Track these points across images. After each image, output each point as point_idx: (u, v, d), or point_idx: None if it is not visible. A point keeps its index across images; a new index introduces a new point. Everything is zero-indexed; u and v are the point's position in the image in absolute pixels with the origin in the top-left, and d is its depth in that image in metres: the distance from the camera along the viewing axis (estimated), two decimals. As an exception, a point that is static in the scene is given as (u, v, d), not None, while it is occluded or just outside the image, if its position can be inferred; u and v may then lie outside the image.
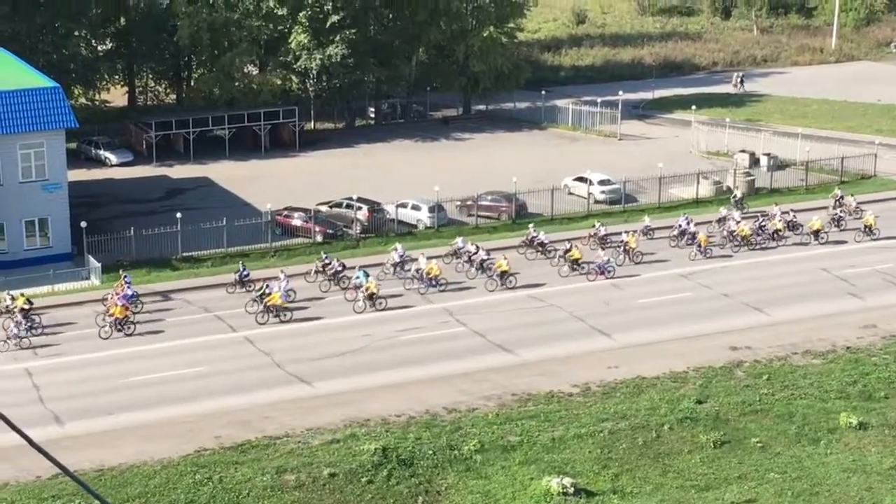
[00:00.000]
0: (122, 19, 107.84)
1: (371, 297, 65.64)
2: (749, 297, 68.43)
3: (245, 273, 68.83)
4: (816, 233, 76.77)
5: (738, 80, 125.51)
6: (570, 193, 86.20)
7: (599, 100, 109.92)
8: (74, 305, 66.31)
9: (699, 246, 74.18)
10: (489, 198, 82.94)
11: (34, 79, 74.61)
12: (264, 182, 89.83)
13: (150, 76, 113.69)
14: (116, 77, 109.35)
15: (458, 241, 73.42)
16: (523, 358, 60.62)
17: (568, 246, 72.05)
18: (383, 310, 65.74)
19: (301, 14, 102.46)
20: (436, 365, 59.39)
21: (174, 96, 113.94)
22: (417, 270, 68.99)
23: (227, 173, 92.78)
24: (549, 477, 48.82)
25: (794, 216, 78.31)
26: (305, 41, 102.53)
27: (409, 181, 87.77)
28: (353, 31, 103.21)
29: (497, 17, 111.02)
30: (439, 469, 49.77)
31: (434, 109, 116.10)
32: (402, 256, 70.98)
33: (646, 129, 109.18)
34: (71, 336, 62.45)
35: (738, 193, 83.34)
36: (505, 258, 69.79)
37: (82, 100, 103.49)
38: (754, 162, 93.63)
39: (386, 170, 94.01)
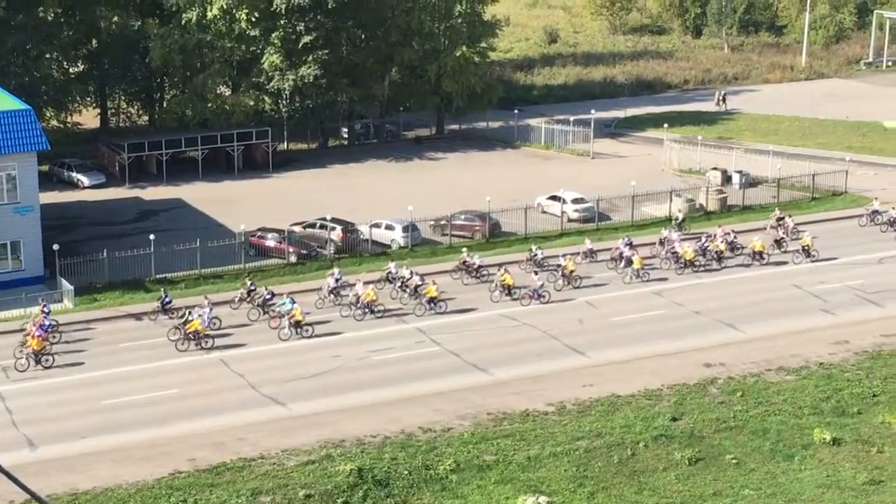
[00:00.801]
0: (94, 41, 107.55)
1: (297, 325, 64.85)
2: (722, 314, 68.69)
3: (167, 300, 67.87)
4: (759, 254, 76.71)
5: (721, 97, 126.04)
6: (544, 212, 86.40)
7: (572, 118, 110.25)
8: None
9: (634, 269, 73.77)
10: (463, 217, 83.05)
11: (6, 101, 74.40)
12: (238, 203, 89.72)
13: (123, 98, 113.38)
14: (88, 99, 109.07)
15: (391, 266, 72.73)
16: (498, 377, 60.67)
17: (501, 270, 71.50)
18: (310, 337, 64.94)
19: (273, 35, 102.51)
20: (410, 385, 59.39)
21: (146, 118, 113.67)
22: (355, 296, 68.34)
23: (201, 195, 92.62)
24: (525, 496, 48.87)
25: (735, 237, 78.38)
26: (278, 62, 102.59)
27: (382, 201, 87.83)
28: (326, 51, 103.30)
29: (469, 37, 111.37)
30: (415, 489, 49.75)
31: (407, 129, 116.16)
32: (338, 281, 70.41)
33: (618, 148, 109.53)
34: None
35: (680, 216, 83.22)
36: (434, 283, 69.27)
37: (54, 122, 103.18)
38: (726, 179, 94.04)
39: (359, 190, 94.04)
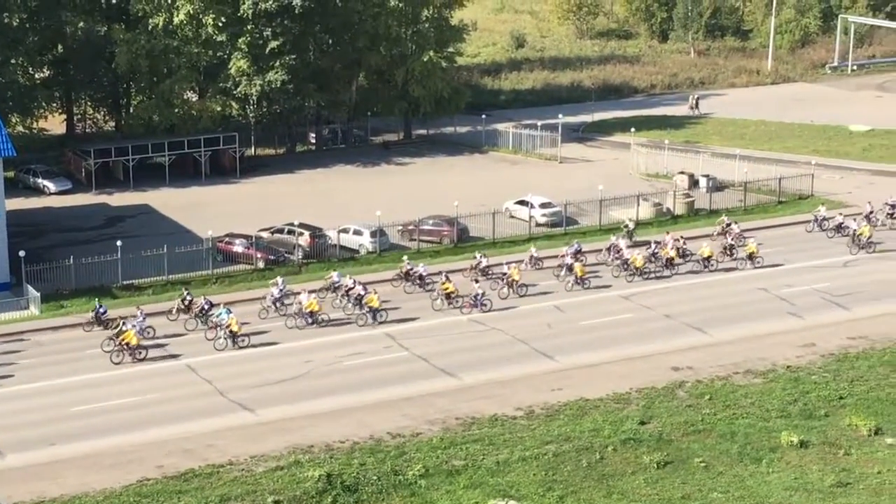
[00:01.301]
0: (60, 47, 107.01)
1: (233, 335, 64.21)
2: (690, 318, 68.93)
3: (102, 311, 66.88)
4: (707, 259, 76.43)
5: (695, 101, 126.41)
6: (512, 217, 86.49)
7: (539, 123, 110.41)
8: (13, 335, 65.67)
9: (576, 276, 73.24)
10: (431, 222, 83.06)
11: (-29, 107, 74.02)
12: (205, 209, 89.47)
13: (89, 103, 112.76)
14: (54, 105, 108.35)
15: (334, 275, 72.00)
16: (467, 382, 60.72)
17: (442, 278, 70.84)
18: (245, 347, 64.26)
19: (240, 40, 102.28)
20: (379, 390, 59.35)
21: (113, 123, 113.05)
22: (298, 305, 67.63)
23: (168, 200, 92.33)
24: (495, 500, 48.98)
25: (684, 243, 78.17)
26: (245, 67, 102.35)
27: (350, 206, 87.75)
28: (293, 56, 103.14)
29: (437, 42, 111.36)
30: (384, 495, 49.73)
31: (375, 134, 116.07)
32: (282, 291, 69.54)
33: (586, 152, 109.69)
34: (13, 368, 61.87)
35: (631, 224, 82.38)
36: (376, 293, 68.55)
37: (20, 128, 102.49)
38: (693, 183, 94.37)
39: (327, 195, 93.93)
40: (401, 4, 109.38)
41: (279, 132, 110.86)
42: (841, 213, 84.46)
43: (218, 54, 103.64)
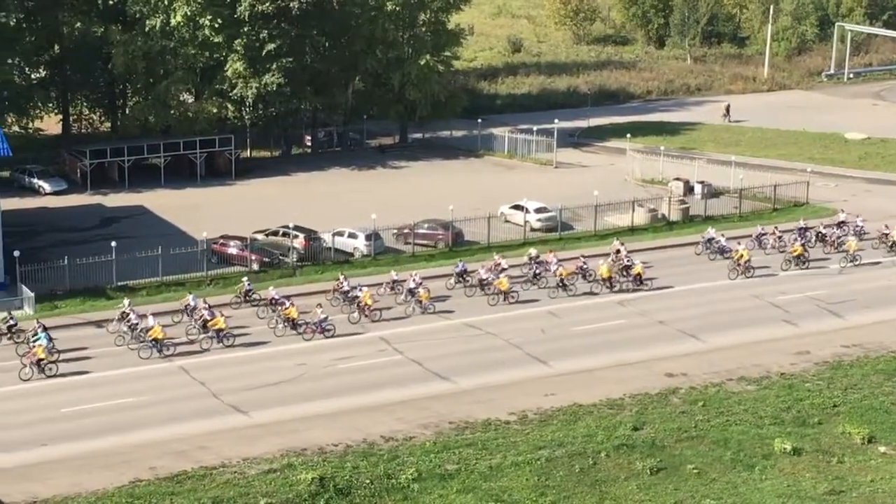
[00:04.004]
0: (56, 47, 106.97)
1: (39, 363, 60.14)
2: (684, 324, 68.92)
3: (14, 321, 64.80)
4: (607, 280, 74.38)
5: (726, 109, 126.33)
6: (507, 221, 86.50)
7: (535, 128, 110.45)
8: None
9: (419, 301, 70.41)
10: (426, 226, 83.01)
11: (-34, 107, 73.95)
12: (200, 210, 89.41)
13: (85, 104, 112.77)
14: (50, 105, 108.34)
15: (189, 298, 68.84)
16: (460, 386, 60.69)
17: (286, 304, 67.56)
18: (53, 376, 60.40)
19: (237, 42, 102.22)
20: (373, 393, 59.31)
21: (109, 124, 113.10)
22: (143, 330, 64.06)
23: (163, 202, 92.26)
24: (487, 505, 48.96)
25: (584, 262, 75.61)
26: (241, 69, 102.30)
27: (345, 209, 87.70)
28: (290, 59, 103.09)
29: (433, 46, 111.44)
30: (377, 498, 49.71)
31: (371, 138, 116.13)
32: (137, 315, 65.12)
33: (581, 157, 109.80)
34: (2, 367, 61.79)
35: (533, 252, 78.51)
36: (222, 315, 66.10)
37: (15, 128, 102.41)
38: (689, 190, 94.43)
39: (322, 198, 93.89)
40: (398, 8, 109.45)
41: (275, 135, 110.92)
42: (723, 235, 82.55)
43: (214, 56, 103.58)
